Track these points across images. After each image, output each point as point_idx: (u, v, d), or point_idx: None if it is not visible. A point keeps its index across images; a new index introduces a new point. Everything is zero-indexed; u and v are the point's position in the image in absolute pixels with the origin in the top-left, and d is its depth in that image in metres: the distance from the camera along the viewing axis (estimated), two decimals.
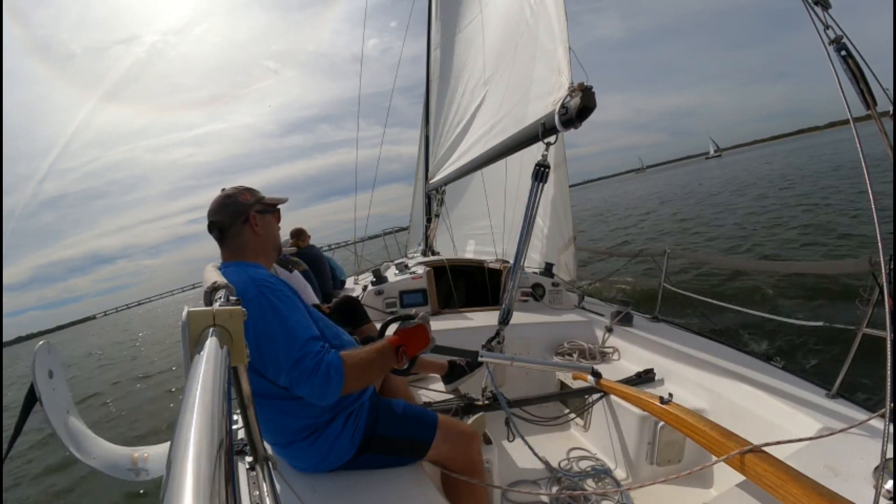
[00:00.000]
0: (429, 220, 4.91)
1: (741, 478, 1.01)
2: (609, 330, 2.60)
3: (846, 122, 1.05)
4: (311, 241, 4.72)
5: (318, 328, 1.24)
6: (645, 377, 2.09)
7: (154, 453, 1.52)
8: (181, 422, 0.41)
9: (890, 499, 0.99)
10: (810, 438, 1.18)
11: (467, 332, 2.61)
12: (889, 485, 1.00)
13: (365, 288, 3.15)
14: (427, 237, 4.94)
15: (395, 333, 1.28)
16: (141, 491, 3.71)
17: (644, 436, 1.85)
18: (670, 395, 1.34)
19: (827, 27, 1.10)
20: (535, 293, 3.11)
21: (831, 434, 1.18)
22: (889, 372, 0.92)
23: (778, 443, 1.02)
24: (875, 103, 1.03)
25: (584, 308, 3.08)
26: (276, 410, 1.21)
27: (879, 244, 1.00)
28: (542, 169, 1.67)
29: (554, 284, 3.15)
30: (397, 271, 3.36)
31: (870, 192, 0.99)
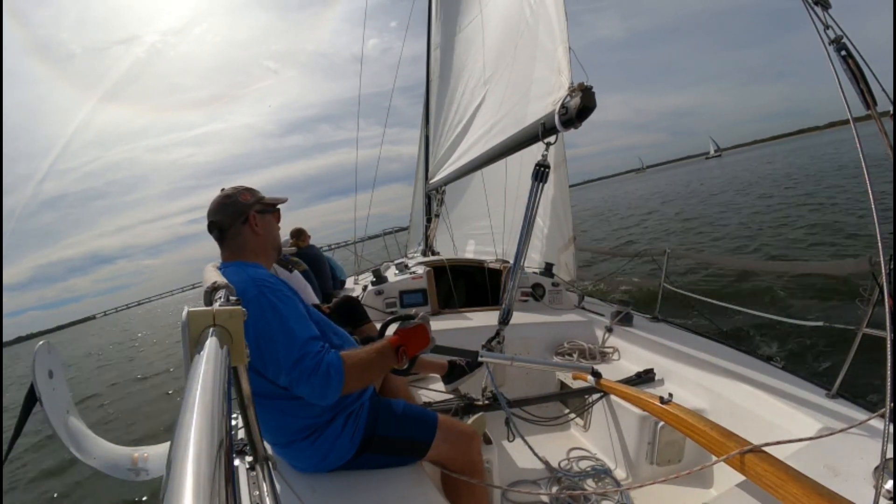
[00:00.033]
0: (429, 220, 4.91)
1: (741, 478, 1.01)
2: (609, 330, 2.60)
3: (846, 122, 1.05)
4: (311, 241, 4.72)
5: (319, 328, 1.24)
6: (645, 377, 2.09)
7: (154, 453, 1.52)
8: (181, 422, 0.41)
9: (890, 499, 0.99)
10: (810, 438, 1.18)
11: (467, 332, 2.61)
12: (889, 485, 1.00)
13: (365, 288, 3.15)
14: (427, 237, 4.94)
15: (395, 333, 1.28)
16: (137, 500, 3.71)
17: (644, 436, 1.85)
18: (670, 395, 1.34)
19: (827, 27, 1.10)
20: (535, 293, 3.11)
21: (831, 434, 1.18)
22: (889, 372, 0.92)
23: (778, 443, 1.02)
24: (875, 103, 1.04)
25: (584, 308, 3.08)
26: (276, 410, 1.21)
27: (879, 244, 1.01)
28: (542, 169, 1.67)
29: (554, 284, 3.15)
30: (397, 271, 3.36)
31: (870, 192, 0.99)
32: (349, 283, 4.54)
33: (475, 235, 4.65)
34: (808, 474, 0.89)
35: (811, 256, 6.98)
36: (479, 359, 1.68)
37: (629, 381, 2.02)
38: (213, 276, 1.03)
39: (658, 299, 2.80)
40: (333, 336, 1.38)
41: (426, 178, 4.16)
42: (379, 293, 3.07)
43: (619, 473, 1.94)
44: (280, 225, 1.44)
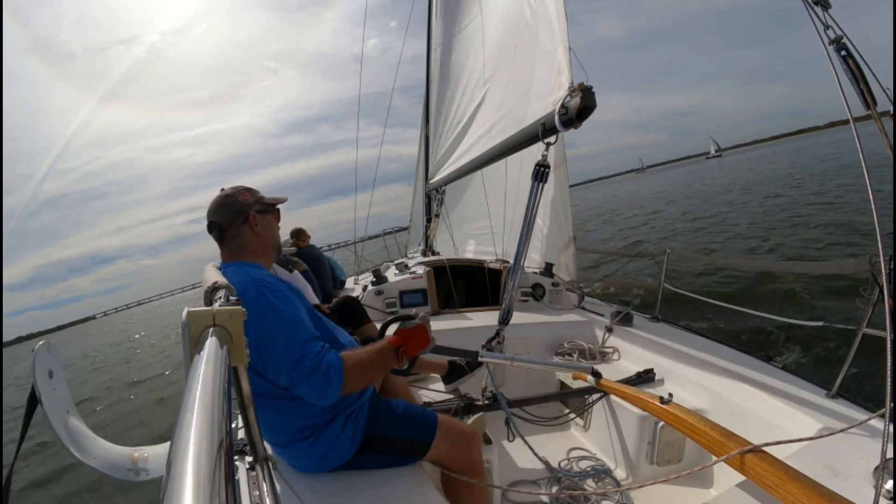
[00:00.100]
0: (429, 220, 4.91)
1: (741, 478, 1.01)
2: (609, 330, 2.60)
3: (846, 122, 1.05)
4: (311, 241, 4.72)
5: (319, 328, 1.24)
6: (645, 377, 2.09)
7: (154, 453, 1.52)
8: (181, 422, 0.41)
9: (890, 499, 0.99)
10: (810, 438, 1.18)
11: (467, 332, 2.61)
12: (889, 485, 1.00)
13: (365, 288, 3.15)
14: (427, 237, 4.94)
15: (395, 334, 1.28)
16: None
17: (644, 436, 1.85)
18: (670, 395, 1.34)
19: (827, 27, 1.10)
20: (535, 293, 3.11)
21: (831, 434, 1.18)
22: (889, 372, 0.92)
23: (778, 443, 1.02)
24: (875, 103, 1.04)
25: (584, 308, 3.08)
26: (276, 410, 1.21)
27: (879, 244, 1.01)
28: (542, 169, 1.67)
29: (554, 284, 3.15)
30: (397, 271, 3.35)
31: (870, 191, 0.99)
32: (349, 283, 4.54)
33: (475, 235, 4.65)
34: (808, 474, 0.89)
35: (828, 256, 6.81)
36: (479, 359, 1.68)
37: (629, 381, 2.02)
38: (213, 276, 1.03)
39: (658, 299, 2.80)
40: (333, 336, 1.38)
41: (426, 178, 4.16)
42: (379, 293, 3.06)
43: (619, 473, 1.94)
44: (280, 225, 1.44)
